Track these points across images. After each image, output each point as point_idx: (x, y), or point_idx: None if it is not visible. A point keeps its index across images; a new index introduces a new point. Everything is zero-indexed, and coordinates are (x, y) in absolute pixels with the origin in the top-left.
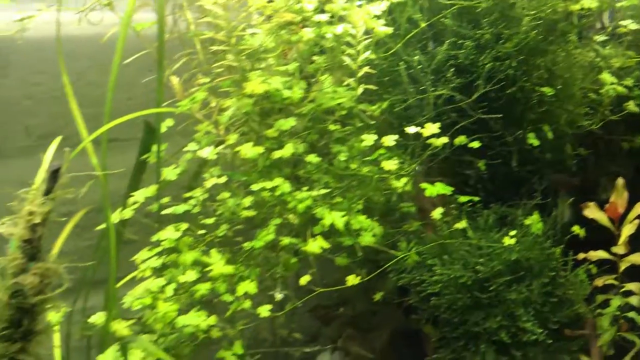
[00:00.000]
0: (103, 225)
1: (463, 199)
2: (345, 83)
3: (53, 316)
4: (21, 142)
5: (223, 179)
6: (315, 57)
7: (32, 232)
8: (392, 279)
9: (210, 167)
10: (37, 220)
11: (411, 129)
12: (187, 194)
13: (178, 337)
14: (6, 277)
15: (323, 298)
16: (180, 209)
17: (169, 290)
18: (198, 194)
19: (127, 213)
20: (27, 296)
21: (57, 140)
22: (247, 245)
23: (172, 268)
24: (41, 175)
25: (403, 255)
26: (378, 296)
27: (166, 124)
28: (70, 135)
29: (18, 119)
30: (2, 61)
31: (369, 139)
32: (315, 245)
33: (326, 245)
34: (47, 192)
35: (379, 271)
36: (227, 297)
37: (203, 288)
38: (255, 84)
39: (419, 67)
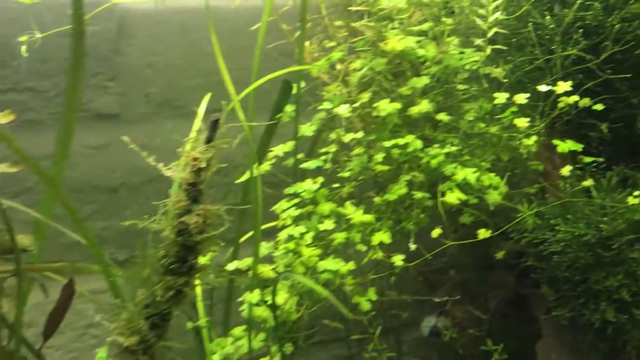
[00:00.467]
0: (243, 178)
1: (587, 159)
2: (476, 44)
3: (201, 258)
4: (141, 108)
5: (360, 134)
6: (443, 19)
7: (197, 176)
8: (511, 240)
9: (335, 126)
10: (202, 165)
11: (543, 87)
12: (323, 150)
13: (314, 282)
14: (172, 218)
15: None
16: (313, 164)
17: (308, 238)
18: (332, 149)
19: (265, 167)
20: (192, 234)
21: (208, 97)
22: (378, 199)
23: (306, 220)
24: (197, 126)
25: (528, 214)
26: (500, 255)
27: (299, 86)
28: (185, 104)
29: (139, 87)
30: (130, 31)
31: (500, 97)
32: (453, 197)
33: (463, 197)
34: (208, 140)
35: (501, 230)
36: (361, 247)
37: (340, 237)
38: (395, 42)
39: (550, 27)
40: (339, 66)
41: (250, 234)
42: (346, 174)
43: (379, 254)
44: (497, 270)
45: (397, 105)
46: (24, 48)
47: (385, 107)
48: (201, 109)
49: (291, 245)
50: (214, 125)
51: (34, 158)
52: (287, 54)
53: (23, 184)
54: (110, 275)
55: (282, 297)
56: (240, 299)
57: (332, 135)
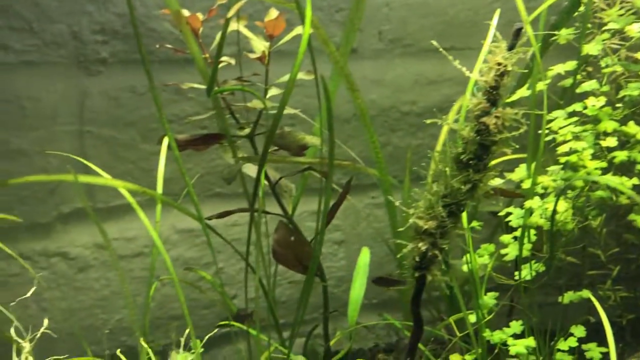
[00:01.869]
0: (516, 96)
1: None
2: None
3: None
4: (375, 45)
5: None
6: None
7: (498, 81)
8: None
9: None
10: (507, 68)
11: None
12: (607, 70)
13: (585, 200)
14: (471, 119)
15: None
16: (590, 86)
17: (587, 154)
18: (618, 69)
19: (541, 86)
20: (490, 134)
21: (497, 12)
22: None
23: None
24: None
25: None
26: None
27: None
28: (414, 42)
29: (375, 24)
30: None
31: None
32: None
33: None
34: (511, 47)
35: None
36: None
37: (621, 155)
38: None
39: None
40: None
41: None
42: (635, 92)
43: None
44: None
45: None
46: None
47: None
48: (494, 21)
49: (573, 158)
50: (516, 33)
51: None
52: None
53: None
54: (386, 181)
55: (562, 206)
56: (503, 212)
57: (606, 61)
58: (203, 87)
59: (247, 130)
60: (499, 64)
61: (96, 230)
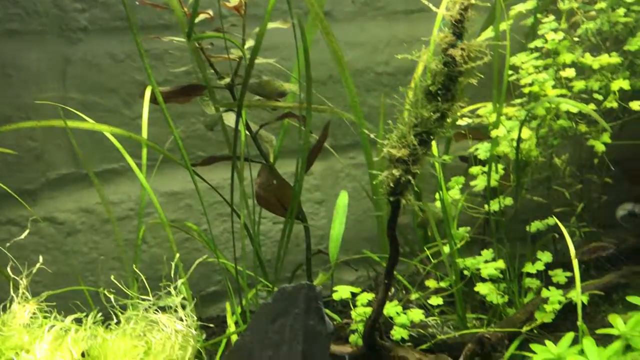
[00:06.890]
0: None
1: None
2: None
3: None
4: (348, 8)
5: None
6: None
7: (462, 14)
8: None
9: None
10: (472, 2)
11: None
12: (564, 6)
13: (548, 129)
14: (439, 53)
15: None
16: (549, 24)
17: (549, 85)
18: (574, 5)
19: (503, 25)
20: (456, 65)
21: None
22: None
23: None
24: None
25: None
26: None
27: None
28: (386, 5)
29: None
30: None
31: None
32: None
33: None
34: None
35: None
36: (598, 96)
37: (579, 84)
38: None
39: None
40: None
41: None
42: (590, 25)
43: (614, 103)
44: None
45: None
46: None
47: None
48: None
49: (535, 88)
50: None
51: None
52: None
53: None
54: (362, 124)
55: (526, 133)
56: (472, 149)
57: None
58: (182, 40)
59: (226, 80)
60: None
61: (81, 196)
